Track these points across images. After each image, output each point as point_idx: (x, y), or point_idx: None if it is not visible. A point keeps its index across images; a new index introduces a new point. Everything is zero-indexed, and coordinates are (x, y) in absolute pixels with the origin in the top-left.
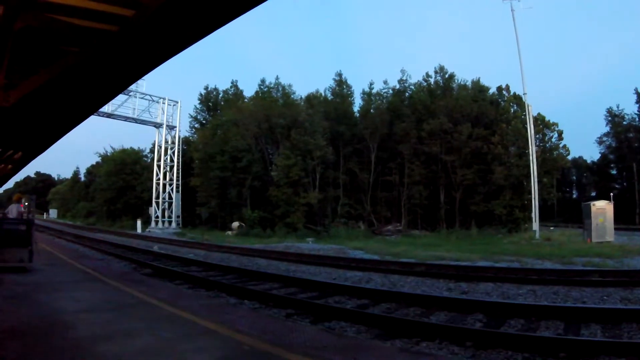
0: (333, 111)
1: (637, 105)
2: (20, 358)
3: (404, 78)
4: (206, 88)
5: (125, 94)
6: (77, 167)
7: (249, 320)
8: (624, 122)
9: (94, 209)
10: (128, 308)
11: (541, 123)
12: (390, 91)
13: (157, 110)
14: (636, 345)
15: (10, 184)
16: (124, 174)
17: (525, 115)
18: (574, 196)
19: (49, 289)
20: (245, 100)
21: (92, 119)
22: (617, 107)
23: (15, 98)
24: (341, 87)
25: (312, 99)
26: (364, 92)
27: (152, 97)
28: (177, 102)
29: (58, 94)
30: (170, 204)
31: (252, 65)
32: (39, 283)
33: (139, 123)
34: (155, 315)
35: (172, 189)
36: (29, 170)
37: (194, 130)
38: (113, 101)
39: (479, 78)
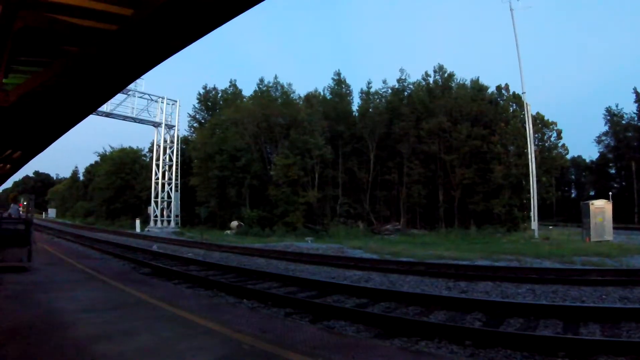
0: (332, 110)
1: (636, 104)
2: (20, 357)
3: (403, 77)
4: (205, 87)
5: (124, 93)
6: (76, 167)
7: (248, 320)
8: (623, 122)
9: (92, 208)
10: (127, 307)
11: (540, 122)
12: (389, 90)
13: (155, 109)
14: (635, 344)
15: (9, 183)
16: (123, 173)
17: (524, 114)
18: (573, 195)
19: (48, 288)
20: (244, 99)
21: (91, 118)
22: (616, 106)
23: (14, 97)
24: (340, 86)
25: (311, 98)
26: (362, 92)
27: (151, 97)
28: (176, 102)
29: (57, 93)
30: (169, 204)
31: (251, 65)
32: (39, 282)
33: (138, 122)
34: (155, 314)
35: (171, 188)
36: (28, 169)
37: (192, 129)
38: (112, 100)
39: (478, 77)
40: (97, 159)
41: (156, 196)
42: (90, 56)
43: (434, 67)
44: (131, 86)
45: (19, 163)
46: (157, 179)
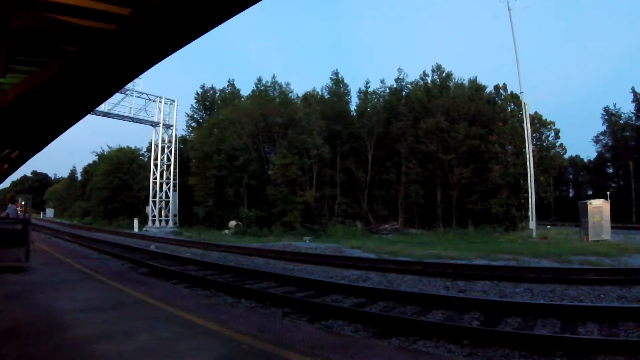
0: (330, 110)
1: (634, 104)
2: (20, 358)
3: (401, 77)
4: (203, 87)
5: (121, 92)
6: (74, 167)
7: (247, 319)
8: (621, 121)
9: (90, 208)
10: (126, 307)
11: (538, 122)
12: (387, 90)
13: (153, 109)
14: (633, 343)
15: (7, 183)
16: (121, 173)
17: (522, 114)
18: (571, 195)
19: (46, 288)
20: (242, 99)
21: (89, 118)
22: (614, 105)
23: (12, 97)
24: (338, 86)
25: (309, 98)
26: (360, 91)
27: (149, 96)
28: (174, 101)
29: (55, 92)
30: (167, 203)
31: (250, 64)
32: (37, 282)
33: (136, 122)
34: (154, 314)
35: (169, 188)
36: (26, 169)
37: (190, 129)
38: (110, 100)
39: (476, 77)
40: (95, 158)
41: (154, 196)
42: (89, 56)
43: (432, 66)
44: (129, 86)
45: (17, 163)
46: (155, 178)
